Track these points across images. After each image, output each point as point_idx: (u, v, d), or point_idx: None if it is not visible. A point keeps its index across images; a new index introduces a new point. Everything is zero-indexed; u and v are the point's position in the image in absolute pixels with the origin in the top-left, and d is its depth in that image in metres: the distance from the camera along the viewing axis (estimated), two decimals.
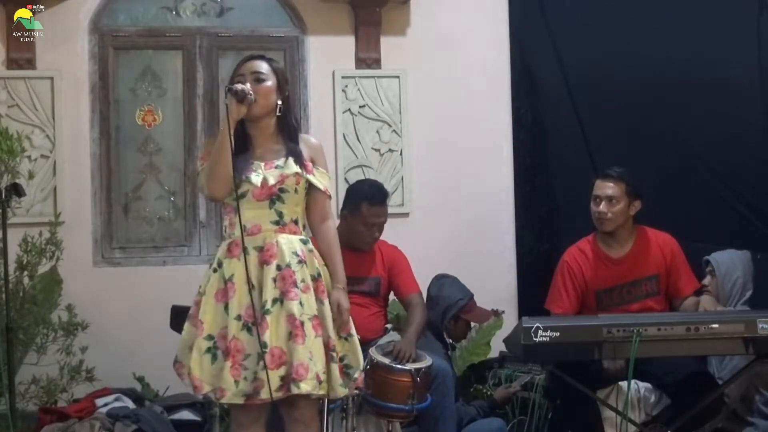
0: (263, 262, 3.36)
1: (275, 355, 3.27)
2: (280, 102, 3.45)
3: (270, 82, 3.44)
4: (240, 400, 3.30)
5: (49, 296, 4.93)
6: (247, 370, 3.29)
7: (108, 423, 4.52)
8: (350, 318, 3.48)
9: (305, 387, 3.26)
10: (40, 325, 4.90)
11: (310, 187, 3.48)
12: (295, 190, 3.43)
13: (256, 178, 3.39)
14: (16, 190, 4.50)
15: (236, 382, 3.28)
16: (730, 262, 4.63)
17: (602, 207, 4.39)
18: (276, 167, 3.42)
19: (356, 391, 3.62)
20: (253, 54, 3.57)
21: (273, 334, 3.29)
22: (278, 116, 3.47)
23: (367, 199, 4.48)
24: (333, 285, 3.46)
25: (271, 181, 3.40)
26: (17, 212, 4.93)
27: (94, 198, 5.43)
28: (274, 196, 3.40)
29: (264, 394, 3.26)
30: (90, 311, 5.11)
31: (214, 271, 3.41)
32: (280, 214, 3.42)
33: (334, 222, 3.59)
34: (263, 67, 3.46)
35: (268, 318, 3.30)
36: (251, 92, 3.36)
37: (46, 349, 4.98)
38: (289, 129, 3.50)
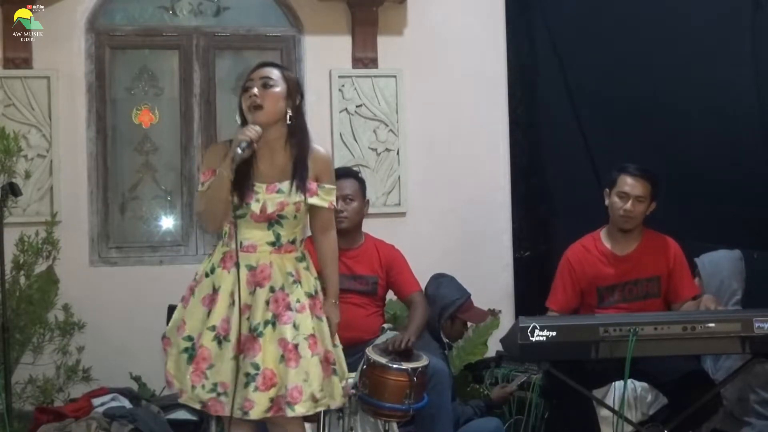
0: (256, 284, 3.36)
1: (266, 377, 3.29)
2: (290, 111, 3.41)
3: (279, 89, 3.39)
4: (196, 405, 3.36)
5: (45, 296, 4.92)
6: (207, 380, 3.32)
7: (105, 423, 4.51)
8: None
9: (300, 410, 3.30)
10: (37, 324, 4.91)
11: (312, 207, 3.47)
12: (295, 216, 3.42)
13: (255, 205, 3.38)
14: (12, 189, 4.49)
15: (193, 387, 3.32)
16: (715, 263, 4.64)
17: (629, 205, 4.37)
18: (278, 191, 3.39)
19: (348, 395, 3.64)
20: (267, 61, 3.56)
21: (265, 355, 3.30)
22: (288, 125, 3.42)
23: None
24: (326, 298, 3.48)
25: (270, 208, 3.38)
26: (14, 212, 4.94)
27: (91, 197, 5.43)
28: (273, 220, 3.40)
29: (253, 415, 3.28)
30: (86, 311, 5.11)
31: (206, 275, 3.43)
32: (278, 236, 3.41)
33: (335, 235, 3.58)
34: (274, 73, 3.42)
35: (261, 340, 3.30)
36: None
37: (43, 349, 4.99)
38: (299, 142, 3.43)
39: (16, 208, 5.01)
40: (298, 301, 3.36)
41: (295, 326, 3.33)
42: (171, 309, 4.36)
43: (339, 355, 3.47)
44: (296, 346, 3.31)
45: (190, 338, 3.37)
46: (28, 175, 5.15)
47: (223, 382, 3.31)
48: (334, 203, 3.53)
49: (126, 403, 4.77)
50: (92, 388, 4.94)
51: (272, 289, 3.36)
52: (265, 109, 3.36)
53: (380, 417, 4.09)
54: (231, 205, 3.33)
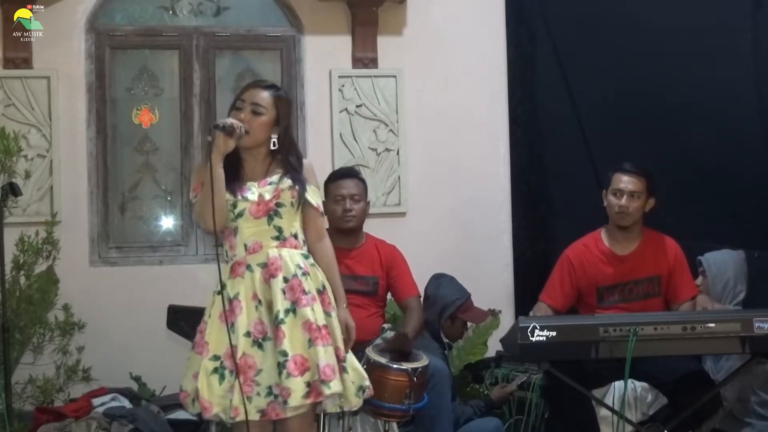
0: (270, 276, 3.36)
1: (298, 363, 3.28)
2: (275, 136, 3.44)
3: (266, 117, 3.43)
4: (256, 417, 3.30)
5: (45, 296, 4.92)
6: (259, 386, 3.30)
7: (105, 423, 4.51)
8: None
9: (336, 386, 3.29)
10: (37, 324, 4.90)
11: (305, 205, 3.48)
12: (292, 204, 3.43)
13: (252, 196, 3.40)
14: (12, 189, 4.49)
15: (249, 398, 3.28)
16: (721, 262, 4.64)
17: (624, 201, 4.40)
18: (270, 183, 3.44)
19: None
20: (260, 82, 3.59)
21: (291, 342, 3.29)
22: (272, 150, 3.45)
23: (328, 179, 4.56)
24: (338, 304, 3.48)
25: (267, 196, 3.41)
26: (14, 212, 4.95)
27: (91, 197, 5.42)
28: (271, 211, 3.41)
29: (292, 402, 3.25)
30: (86, 311, 5.11)
31: (219, 293, 3.40)
32: (280, 230, 3.42)
33: (329, 241, 3.59)
34: (264, 99, 3.44)
35: (284, 327, 3.30)
36: (241, 126, 3.36)
37: (43, 349, 4.98)
38: (286, 160, 3.47)
39: (16, 208, 5.01)
40: (308, 291, 3.37)
41: (313, 310, 3.34)
42: (171, 309, 4.38)
43: (353, 359, 3.49)
44: (319, 328, 3.31)
45: (216, 357, 3.33)
46: (28, 175, 5.14)
47: (278, 384, 3.28)
48: (321, 208, 3.56)
49: (126, 403, 4.76)
50: (92, 388, 4.94)
51: (285, 279, 3.36)
52: (251, 135, 3.41)
53: (380, 417, 4.09)
54: (226, 204, 3.36)
